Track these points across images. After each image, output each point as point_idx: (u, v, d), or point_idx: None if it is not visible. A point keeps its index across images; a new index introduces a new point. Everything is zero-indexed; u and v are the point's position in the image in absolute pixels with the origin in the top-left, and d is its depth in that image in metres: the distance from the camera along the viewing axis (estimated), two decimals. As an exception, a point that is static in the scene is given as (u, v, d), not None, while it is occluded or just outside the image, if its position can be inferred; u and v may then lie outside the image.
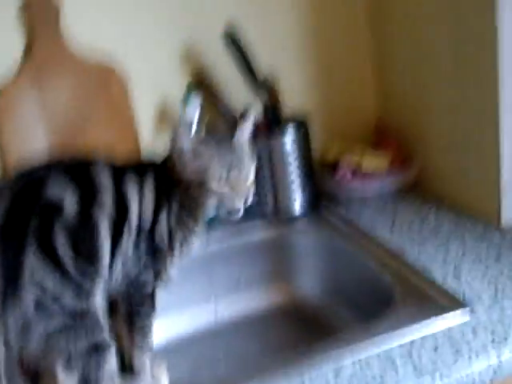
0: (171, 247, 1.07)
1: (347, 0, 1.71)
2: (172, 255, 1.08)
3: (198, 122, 1.56)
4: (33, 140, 1.51)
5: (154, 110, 1.62)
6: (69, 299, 0.95)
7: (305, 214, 1.58)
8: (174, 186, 1.06)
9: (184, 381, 1.16)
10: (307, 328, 1.45)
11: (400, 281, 1.26)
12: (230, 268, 1.53)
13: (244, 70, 1.53)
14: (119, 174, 1.03)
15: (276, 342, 1.42)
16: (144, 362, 1.10)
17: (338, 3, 1.70)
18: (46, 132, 1.52)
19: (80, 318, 0.96)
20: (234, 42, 1.51)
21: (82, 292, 0.97)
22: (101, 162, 1.03)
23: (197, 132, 1.56)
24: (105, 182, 1.01)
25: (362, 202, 1.58)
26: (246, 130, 1.11)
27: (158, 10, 1.57)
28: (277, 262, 1.55)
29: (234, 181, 1.05)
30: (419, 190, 1.61)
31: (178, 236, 1.08)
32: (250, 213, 1.54)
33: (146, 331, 1.09)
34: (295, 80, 1.71)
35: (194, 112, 1.56)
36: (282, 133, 1.55)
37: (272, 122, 1.56)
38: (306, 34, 1.69)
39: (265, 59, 1.56)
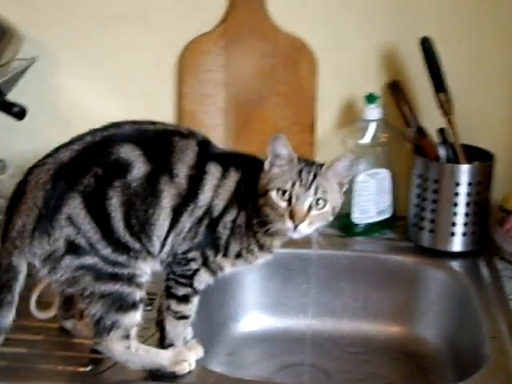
0: (228, 243, 1.05)
1: None
2: (227, 254, 1.06)
3: (377, 123, 1.50)
4: (211, 102, 1.54)
5: (337, 100, 1.57)
6: (107, 251, 0.97)
7: (459, 254, 1.44)
8: (255, 189, 1.04)
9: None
10: (402, 368, 1.37)
11: (501, 352, 1.15)
12: (358, 284, 1.46)
13: (432, 83, 1.43)
14: (209, 154, 1.04)
15: (365, 372, 1.35)
16: (179, 332, 1.09)
17: None
18: (225, 97, 1.54)
19: (115, 267, 0.98)
20: (429, 53, 1.42)
21: (129, 251, 0.99)
22: (194, 138, 1.05)
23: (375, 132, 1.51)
24: (186, 156, 1.02)
25: (522, 261, 1.40)
26: (344, 163, 1.04)
27: (361, 10, 1.52)
28: (405, 292, 1.44)
29: (293, 200, 1.00)
30: None
31: (241, 239, 1.06)
32: (405, 232, 1.47)
33: (180, 300, 1.07)
34: (489, 112, 1.56)
35: (375, 112, 1.49)
36: (456, 159, 1.44)
37: (448, 145, 1.46)
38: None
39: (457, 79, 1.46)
